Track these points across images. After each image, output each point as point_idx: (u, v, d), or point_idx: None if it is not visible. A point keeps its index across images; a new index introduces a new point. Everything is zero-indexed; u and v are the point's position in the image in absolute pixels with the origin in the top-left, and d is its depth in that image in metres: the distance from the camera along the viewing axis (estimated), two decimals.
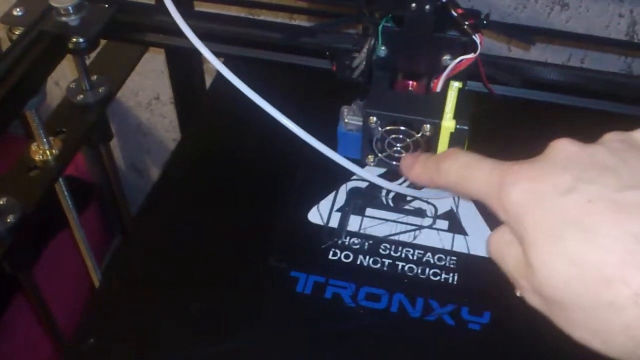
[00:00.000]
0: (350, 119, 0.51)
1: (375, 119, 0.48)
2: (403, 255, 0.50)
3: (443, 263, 0.49)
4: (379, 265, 0.49)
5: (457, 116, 0.46)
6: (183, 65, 0.78)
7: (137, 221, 0.58)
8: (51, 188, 0.58)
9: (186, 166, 0.59)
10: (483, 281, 0.49)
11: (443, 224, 0.52)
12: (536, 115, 0.57)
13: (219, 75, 0.69)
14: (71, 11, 0.51)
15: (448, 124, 0.46)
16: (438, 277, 0.49)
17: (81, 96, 0.61)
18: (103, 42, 0.59)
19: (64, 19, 0.51)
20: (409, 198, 0.54)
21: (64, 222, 0.69)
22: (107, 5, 0.53)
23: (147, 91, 1.05)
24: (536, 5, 0.70)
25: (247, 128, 0.60)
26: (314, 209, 0.53)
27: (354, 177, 0.55)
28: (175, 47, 0.54)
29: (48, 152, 0.56)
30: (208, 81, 0.81)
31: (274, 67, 0.55)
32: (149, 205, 0.57)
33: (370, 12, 0.50)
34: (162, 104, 1.06)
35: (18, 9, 0.52)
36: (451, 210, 0.53)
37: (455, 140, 0.47)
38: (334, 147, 0.51)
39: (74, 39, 0.52)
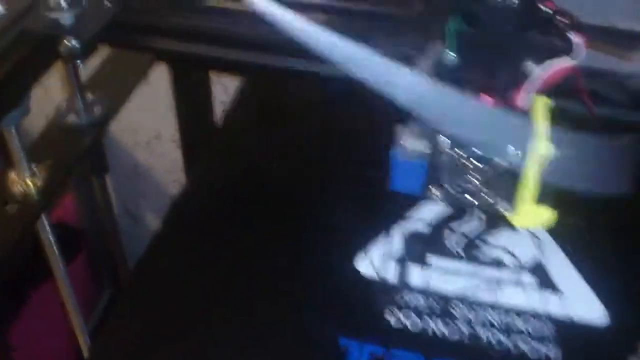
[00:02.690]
0: (410, 143, 0.40)
1: (446, 141, 0.38)
2: (482, 319, 0.39)
3: (536, 330, 0.38)
4: (452, 331, 0.38)
5: (550, 139, 0.36)
6: (190, 94, 0.68)
7: (135, 276, 0.48)
8: (32, 229, 0.48)
9: (194, 211, 0.48)
10: (590, 355, 0.37)
11: (529, 277, 0.41)
12: None
13: (231, 110, 0.61)
14: (64, 6, 0.41)
15: (540, 148, 0.36)
16: (531, 348, 0.37)
17: (73, 117, 0.50)
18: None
19: (54, 15, 0.42)
20: (480, 244, 0.43)
21: (46, 273, 0.58)
22: (109, 3, 0.44)
23: (147, 129, 0.96)
24: None
25: (266, 167, 0.50)
26: (363, 256, 0.42)
27: (410, 216, 0.44)
28: (185, 55, 0.45)
29: (30, 183, 0.46)
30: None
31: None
32: (150, 256, 0.46)
33: (435, 11, 0.41)
34: (162, 143, 0.97)
35: None
36: (536, 259, 0.42)
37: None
38: (387, 178, 0.41)
39: (66, 41, 0.42)
